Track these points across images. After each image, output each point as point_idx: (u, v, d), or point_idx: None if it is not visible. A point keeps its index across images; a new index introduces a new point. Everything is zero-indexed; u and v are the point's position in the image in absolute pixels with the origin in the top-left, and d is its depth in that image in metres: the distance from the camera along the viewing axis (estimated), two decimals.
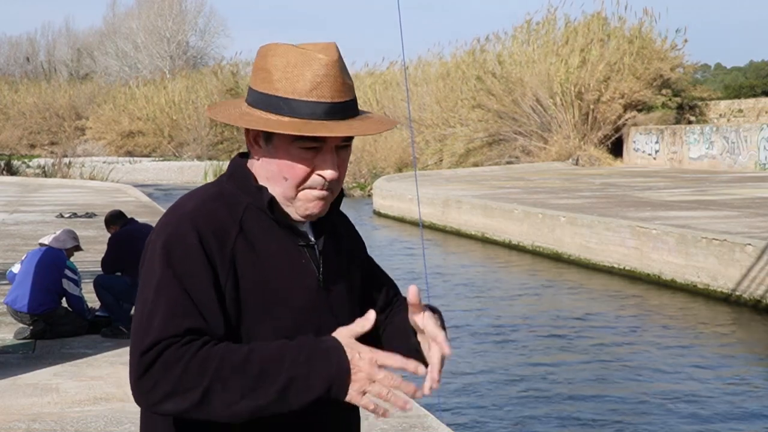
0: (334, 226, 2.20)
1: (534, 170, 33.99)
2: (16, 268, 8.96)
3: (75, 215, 20.58)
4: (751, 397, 9.49)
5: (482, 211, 22.15)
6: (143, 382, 1.88)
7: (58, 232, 9.21)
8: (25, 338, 8.67)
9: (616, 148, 37.13)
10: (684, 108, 39.08)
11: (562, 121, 37.31)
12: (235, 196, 2.07)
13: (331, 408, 1.99)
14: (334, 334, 1.93)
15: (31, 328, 8.68)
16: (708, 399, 9.37)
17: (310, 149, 2.02)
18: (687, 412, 8.96)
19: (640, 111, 37.23)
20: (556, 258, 18.59)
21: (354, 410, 2.14)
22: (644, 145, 35.77)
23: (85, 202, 24.34)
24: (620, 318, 13.30)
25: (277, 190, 2.06)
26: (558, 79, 37.45)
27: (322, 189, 2.04)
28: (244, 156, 2.15)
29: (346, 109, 2.02)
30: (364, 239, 2.36)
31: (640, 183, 26.13)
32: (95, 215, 19.96)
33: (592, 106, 37.11)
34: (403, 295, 2.23)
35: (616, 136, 37.07)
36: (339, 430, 2.12)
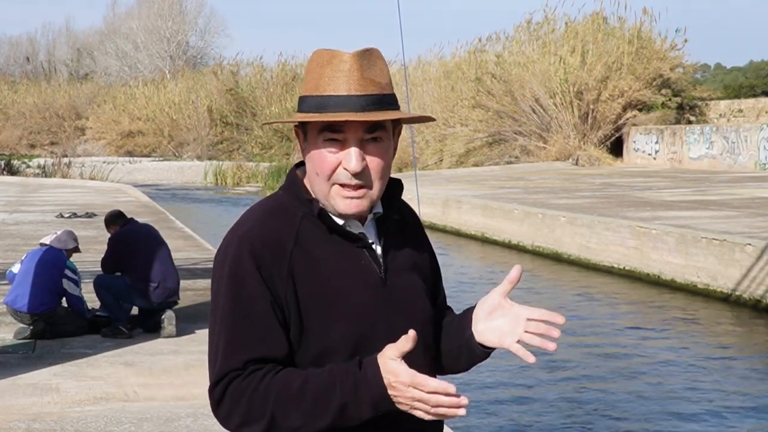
0: (403, 219, 2.26)
1: (534, 170, 33.99)
2: (16, 268, 8.96)
3: (75, 215, 20.58)
4: (751, 396, 9.49)
5: (482, 211, 22.15)
6: (219, 412, 2.05)
7: (59, 233, 9.22)
8: (25, 338, 8.67)
9: (616, 148, 37.12)
10: (684, 108, 39.07)
11: (561, 120, 37.31)
12: (292, 207, 2.14)
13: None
14: (380, 354, 2.00)
15: (31, 328, 8.68)
16: (708, 399, 9.37)
17: (334, 142, 2.08)
18: (687, 412, 8.96)
19: (639, 111, 37.23)
20: (556, 258, 18.59)
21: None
22: (644, 145, 35.77)
23: (85, 202, 24.33)
24: (620, 318, 13.30)
25: (316, 188, 2.13)
26: (557, 79, 37.45)
27: (351, 187, 2.09)
28: (301, 164, 2.23)
29: (369, 102, 2.07)
30: (423, 226, 2.41)
31: (640, 183, 26.13)
32: (95, 215, 19.96)
33: (591, 106, 37.10)
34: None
35: (616, 136, 37.06)
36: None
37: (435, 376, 2.04)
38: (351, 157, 2.07)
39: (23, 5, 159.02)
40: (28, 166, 41.76)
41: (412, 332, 2.00)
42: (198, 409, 6.57)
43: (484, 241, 21.69)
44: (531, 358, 2.08)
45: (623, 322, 12.99)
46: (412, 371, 1.97)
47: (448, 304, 2.47)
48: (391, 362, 1.97)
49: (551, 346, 2.10)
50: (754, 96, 48.18)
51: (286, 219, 2.12)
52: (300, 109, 2.12)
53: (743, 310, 13.36)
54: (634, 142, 36.36)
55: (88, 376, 7.50)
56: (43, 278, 8.65)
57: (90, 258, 11.69)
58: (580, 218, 18.01)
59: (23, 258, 9.01)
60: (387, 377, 1.97)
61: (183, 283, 9.76)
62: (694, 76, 44.74)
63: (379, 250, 2.17)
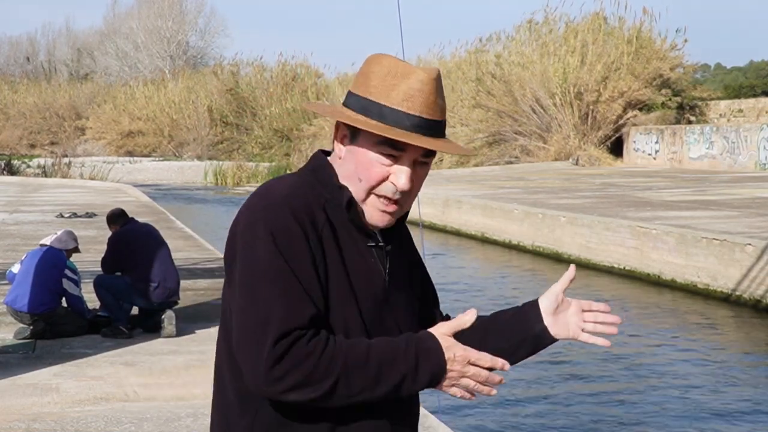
0: (400, 235, 2.30)
1: (534, 170, 34.00)
2: (15, 268, 8.96)
3: (75, 215, 20.57)
4: (752, 396, 9.49)
5: (482, 211, 22.16)
6: (274, 372, 1.96)
7: (59, 233, 9.22)
8: (25, 338, 8.67)
9: (616, 148, 37.13)
10: (684, 108, 39.08)
11: (561, 121, 37.32)
12: (316, 188, 2.14)
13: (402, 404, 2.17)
14: (433, 329, 2.11)
15: (31, 327, 8.68)
16: (708, 398, 9.37)
17: (389, 156, 2.10)
18: (687, 412, 8.96)
19: (639, 111, 37.23)
20: (556, 258, 18.59)
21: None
22: (644, 145, 35.78)
23: (85, 202, 24.34)
24: (620, 318, 13.28)
25: (353, 190, 2.14)
26: (556, 80, 37.46)
27: (390, 201, 2.12)
28: (326, 153, 2.22)
29: (433, 127, 2.11)
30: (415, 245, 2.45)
31: (640, 183, 26.13)
32: (95, 215, 19.96)
33: (591, 106, 37.11)
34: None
35: (616, 136, 37.07)
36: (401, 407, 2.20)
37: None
38: (402, 176, 2.10)
39: (23, 5, 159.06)
40: (28, 166, 41.76)
41: (472, 311, 2.14)
42: (198, 409, 6.57)
43: (484, 241, 21.69)
44: (604, 342, 2.31)
45: (623, 322, 12.96)
46: (468, 347, 2.10)
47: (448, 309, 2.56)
48: (450, 338, 2.09)
49: (612, 330, 2.34)
50: (754, 96, 48.19)
51: (315, 197, 2.12)
52: (354, 108, 2.12)
53: (743, 310, 13.36)
54: (634, 142, 36.36)
55: (88, 376, 7.49)
56: (43, 278, 8.64)
57: (90, 258, 11.70)
58: (580, 218, 18.01)
59: (23, 258, 9.01)
60: (449, 351, 2.06)
61: (183, 283, 9.76)
62: (694, 76, 44.73)
63: (385, 252, 2.21)
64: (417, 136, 2.07)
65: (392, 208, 2.14)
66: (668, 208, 18.61)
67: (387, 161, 2.10)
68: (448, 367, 2.06)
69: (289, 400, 2.00)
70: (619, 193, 22.73)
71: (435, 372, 2.05)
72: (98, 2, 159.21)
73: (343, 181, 2.14)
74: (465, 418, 8.82)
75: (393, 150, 2.09)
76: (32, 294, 8.58)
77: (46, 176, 37.47)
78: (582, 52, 38.40)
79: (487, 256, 20.03)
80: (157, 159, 55.05)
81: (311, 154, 2.25)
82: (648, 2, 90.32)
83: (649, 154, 35.39)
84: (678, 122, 37.38)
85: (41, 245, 9.11)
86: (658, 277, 15.48)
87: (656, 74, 37.98)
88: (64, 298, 8.80)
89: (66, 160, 40.36)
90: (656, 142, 34.99)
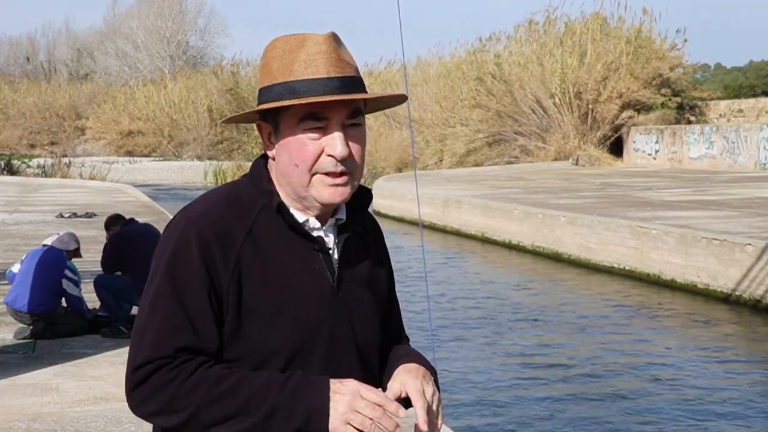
0: (365, 231, 2.17)
1: (534, 170, 33.99)
2: (15, 268, 8.97)
3: (75, 215, 20.58)
4: (751, 396, 9.49)
5: (482, 211, 22.15)
6: (134, 396, 1.94)
7: (61, 233, 9.23)
8: (25, 338, 8.67)
9: (616, 148, 37.12)
10: (684, 108, 39.07)
11: (561, 121, 37.32)
12: (251, 197, 2.05)
13: None
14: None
15: (31, 327, 8.68)
16: (708, 398, 9.37)
17: (316, 130, 1.99)
18: (686, 412, 8.96)
19: (639, 111, 37.22)
20: (556, 258, 18.59)
21: None
22: (644, 145, 35.77)
23: (85, 202, 24.34)
24: (619, 318, 13.30)
25: (293, 180, 2.02)
26: (555, 80, 37.46)
27: (336, 174, 2.00)
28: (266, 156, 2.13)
29: (347, 83, 1.99)
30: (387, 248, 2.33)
31: (640, 183, 26.12)
32: (95, 215, 19.96)
33: (590, 106, 37.11)
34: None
35: (616, 136, 37.07)
36: None
37: None
38: (337, 143, 1.98)
39: (23, 5, 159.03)
40: (28, 166, 41.77)
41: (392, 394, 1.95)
42: None
43: (484, 241, 21.69)
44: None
45: (623, 322, 12.99)
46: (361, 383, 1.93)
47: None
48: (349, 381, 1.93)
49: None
50: (754, 96, 48.21)
51: (243, 209, 2.02)
52: (266, 101, 2.02)
53: (743, 310, 13.36)
54: (634, 142, 36.36)
55: (88, 376, 7.49)
56: (42, 278, 8.65)
57: (90, 258, 11.69)
58: (580, 218, 18.00)
59: (23, 258, 9.01)
60: (333, 382, 1.90)
61: None
62: (694, 76, 44.72)
63: (335, 257, 2.07)
64: (333, 95, 1.96)
65: (341, 179, 2.00)
66: (668, 208, 18.61)
67: (315, 135, 1.98)
68: (333, 397, 1.88)
69: (155, 424, 1.98)
70: (619, 193, 22.73)
71: (315, 408, 1.87)
72: (98, 2, 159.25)
73: (281, 177, 2.04)
74: (465, 418, 8.82)
75: (317, 122, 1.98)
76: (32, 294, 8.58)
77: (46, 176, 37.49)
78: (581, 52, 38.39)
79: (487, 255, 20.02)
80: (156, 159, 55.05)
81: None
82: (648, 2, 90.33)
83: (649, 154, 35.39)
84: (678, 122, 37.37)
85: (43, 245, 9.12)
86: (658, 277, 15.48)
87: (655, 74, 37.97)
88: (63, 299, 8.81)
89: (66, 160, 40.37)
90: (656, 142, 34.99)
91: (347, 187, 2.02)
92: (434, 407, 2.01)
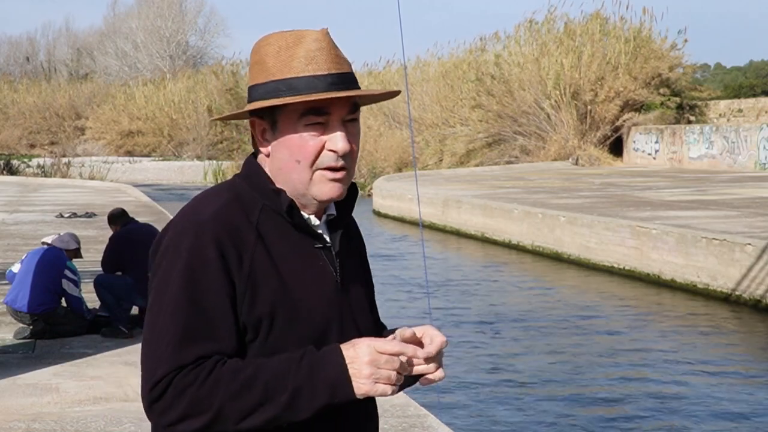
0: (347, 226, 2.18)
1: (534, 170, 33.98)
2: (15, 268, 8.96)
3: (75, 215, 20.57)
4: (751, 396, 9.49)
5: (482, 211, 22.15)
6: (156, 407, 1.91)
7: (62, 233, 9.23)
8: (25, 338, 8.67)
9: (616, 148, 37.12)
10: (684, 108, 39.06)
11: (560, 121, 37.31)
12: (251, 197, 2.04)
13: (349, 414, 2.03)
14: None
15: (31, 327, 8.68)
16: (708, 399, 9.37)
17: (317, 125, 2.00)
18: (686, 412, 8.96)
19: (638, 111, 37.20)
20: (556, 258, 18.59)
21: (373, 417, 2.15)
22: (644, 145, 35.77)
23: (85, 202, 24.33)
24: (620, 318, 13.30)
25: (293, 176, 2.02)
26: (551, 80, 37.46)
27: (336, 169, 2.01)
28: (257, 156, 2.12)
29: (346, 79, 2.01)
30: (363, 239, 2.34)
31: (640, 183, 26.12)
32: (95, 215, 19.96)
33: (589, 106, 37.11)
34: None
35: (616, 136, 37.06)
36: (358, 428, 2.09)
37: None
38: (339, 139, 1.99)
39: (23, 5, 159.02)
40: (28, 166, 41.76)
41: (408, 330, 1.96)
42: None
43: (484, 241, 21.68)
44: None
45: (623, 322, 12.99)
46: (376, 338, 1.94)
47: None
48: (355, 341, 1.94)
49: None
50: (754, 96, 48.22)
51: (246, 210, 2.01)
52: (261, 98, 2.02)
53: (743, 310, 13.36)
54: (634, 141, 36.36)
55: (88, 376, 7.49)
56: (42, 278, 8.64)
57: (90, 258, 11.69)
58: (580, 218, 18.00)
59: (23, 258, 9.01)
60: (349, 350, 1.90)
61: None
62: (694, 76, 44.71)
63: (333, 252, 2.09)
64: (337, 92, 1.97)
65: (340, 174, 2.01)
66: (668, 207, 18.61)
67: (316, 131, 1.99)
68: (350, 363, 1.88)
69: (181, 431, 1.92)
70: (618, 193, 22.72)
71: (332, 378, 1.88)
72: (98, 2, 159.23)
73: (278, 174, 2.04)
74: (465, 418, 8.82)
75: (318, 117, 1.99)
76: (32, 294, 8.58)
77: (45, 176, 37.47)
78: (578, 52, 38.36)
79: (487, 255, 20.02)
80: (156, 159, 55.03)
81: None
82: (648, 2, 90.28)
83: (649, 154, 35.38)
84: (678, 122, 37.36)
85: (43, 243, 9.12)
86: (658, 277, 15.48)
87: (654, 74, 37.94)
88: (63, 299, 8.81)
89: (65, 159, 40.35)
90: (656, 142, 34.98)
91: (344, 183, 2.04)
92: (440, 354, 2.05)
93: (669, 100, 37.92)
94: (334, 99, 1.98)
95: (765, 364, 11.15)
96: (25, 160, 46.25)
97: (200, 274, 1.94)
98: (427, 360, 1.99)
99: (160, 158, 55.59)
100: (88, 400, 6.87)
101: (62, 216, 20.46)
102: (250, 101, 2.06)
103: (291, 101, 1.97)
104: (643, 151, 35.78)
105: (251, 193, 2.05)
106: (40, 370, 7.67)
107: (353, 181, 2.12)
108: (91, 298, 9.23)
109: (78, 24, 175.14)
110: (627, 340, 11.94)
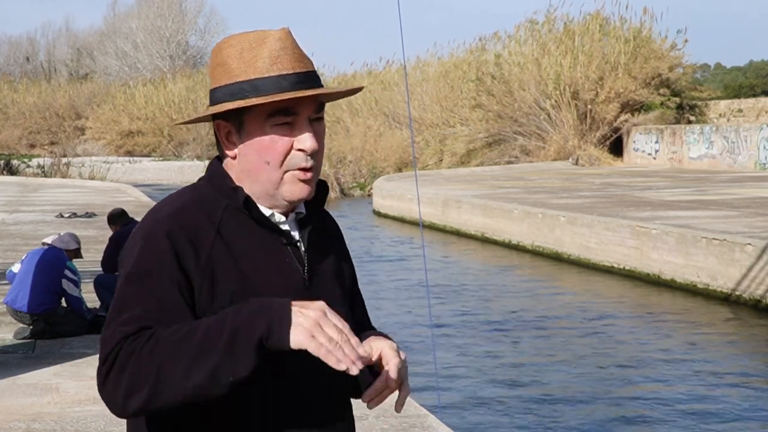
0: (324, 226, 2.17)
1: (534, 170, 33.99)
2: (15, 268, 8.96)
3: (75, 215, 20.57)
4: (751, 396, 9.49)
5: (482, 211, 22.15)
6: (106, 388, 1.89)
7: (62, 233, 9.23)
8: (25, 338, 8.67)
9: (616, 148, 37.12)
10: (684, 108, 39.07)
11: (560, 121, 37.32)
12: (214, 198, 2.04)
13: (323, 406, 2.01)
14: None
15: (31, 327, 8.68)
16: (708, 399, 9.37)
17: (284, 125, 1.99)
18: (686, 412, 8.96)
19: (637, 111, 37.21)
20: (556, 258, 18.59)
21: (347, 409, 2.12)
22: (644, 145, 35.77)
23: (85, 202, 24.34)
24: (620, 318, 13.30)
25: (263, 178, 2.01)
26: (551, 80, 37.46)
27: (306, 169, 2.00)
28: (222, 159, 2.11)
29: (310, 79, 2.00)
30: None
31: (640, 183, 26.13)
32: (95, 215, 19.96)
33: (589, 106, 37.11)
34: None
35: (616, 136, 37.06)
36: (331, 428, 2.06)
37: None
38: (307, 138, 1.98)
39: (23, 5, 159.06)
40: (28, 166, 41.76)
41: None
42: None
43: (484, 241, 21.69)
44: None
45: (623, 322, 12.99)
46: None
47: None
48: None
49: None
50: (754, 96, 48.23)
51: (208, 209, 2.01)
52: (225, 100, 2.01)
53: (743, 310, 13.37)
54: (634, 141, 36.36)
55: (88, 376, 7.49)
56: (42, 278, 8.64)
57: (90, 258, 11.69)
58: (580, 218, 18.01)
59: (23, 258, 9.01)
60: (296, 303, 1.84)
61: None
62: (694, 76, 44.71)
63: (302, 250, 2.07)
64: (304, 91, 1.97)
65: (309, 174, 2.01)
66: (668, 207, 18.61)
67: (284, 131, 1.98)
68: (297, 317, 1.80)
69: (136, 413, 1.87)
70: (619, 193, 22.73)
71: (274, 321, 1.80)
72: (98, 2, 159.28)
73: (246, 176, 2.03)
74: (465, 417, 8.82)
75: (286, 117, 1.98)
76: (32, 294, 8.58)
77: (45, 176, 37.47)
78: (578, 52, 38.36)
79: (486, 255, 20.02)
80: (156, 159, 55.03)
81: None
82: (648, 2, 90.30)
83: (649, 154, 35.39)
84: (678, 122, 37.37)
85: (43, 243, 9.12)
86: (658, 277, 15.48)
87: (654, 74, 37.94)
88: (63, 299, 8.81)
89: (65, 159, 40.34)
90: (656, 142, 34.99)
91: (312, 183, 2.04)
92: (403, 372, 2.02)
93: (669, 100, 37.92)
94: (301, 98, 1.98)
95: (765, 364, 11.15)
96: (25, 160, 46.25)
97: (150, 263, 1.92)
98: (394, 384, 1.98)
99: (160, 158, 55.59)
100: (88, 400, 6.87)
101: (62, 216, 20.46)
102: (213, 104, 2.05)
103: (259, 102, 1.96)
104: (643, 151, 35.78)
105: (214, 194, 2.04)
106: (40, 370, 7.67)
107: (322, 179, 2.12)
108: (91, 298, 9.23)
109: (78, 24, 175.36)
110: (626, 340, 11.94)
